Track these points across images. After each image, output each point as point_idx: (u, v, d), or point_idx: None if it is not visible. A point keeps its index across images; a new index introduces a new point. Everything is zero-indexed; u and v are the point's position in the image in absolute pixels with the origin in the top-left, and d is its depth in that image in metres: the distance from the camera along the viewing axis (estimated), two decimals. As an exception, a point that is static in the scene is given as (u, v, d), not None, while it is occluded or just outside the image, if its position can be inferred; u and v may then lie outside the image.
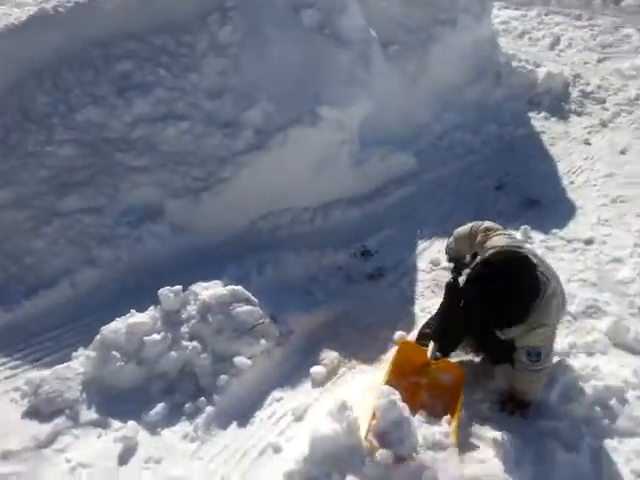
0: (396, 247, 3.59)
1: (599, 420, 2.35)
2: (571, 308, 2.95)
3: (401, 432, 1.99)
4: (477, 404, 2.38)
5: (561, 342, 2.70)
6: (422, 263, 3.47)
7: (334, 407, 2.09)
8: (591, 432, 2.30)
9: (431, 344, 2.43)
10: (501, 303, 2.05)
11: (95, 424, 2.25)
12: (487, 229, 2.47)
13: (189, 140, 3.27)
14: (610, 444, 2.28)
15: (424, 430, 2.11)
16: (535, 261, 2.19)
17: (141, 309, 2.57)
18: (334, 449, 2.01)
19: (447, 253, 2.74)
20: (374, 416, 2.06)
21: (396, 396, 2.07)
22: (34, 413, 2.30)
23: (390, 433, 1.99)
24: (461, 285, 2.46)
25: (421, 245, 3.64)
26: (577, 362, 2.63)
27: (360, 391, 2.31)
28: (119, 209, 3.08)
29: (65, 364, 2.43)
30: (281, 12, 3.75)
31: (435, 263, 3.44)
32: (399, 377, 2.34)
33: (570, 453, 2.20)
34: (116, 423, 2.26)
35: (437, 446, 2.06)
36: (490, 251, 2.27)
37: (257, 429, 2.25)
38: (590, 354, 2.71)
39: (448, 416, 2.21)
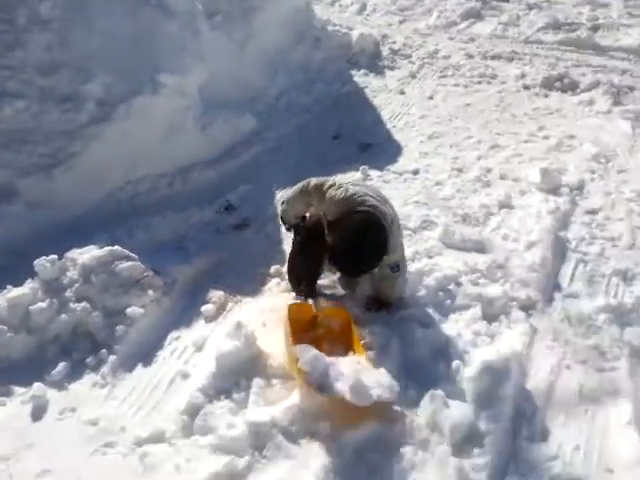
0: (255, 200, 3.87)
1: (443, 301, 2.90)
2: (410, 224, 3.51)
3: (331, 376, 2.15)
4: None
5: (406, 251, 3.23)
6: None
7: (231, 328, 2.35)
8: (439, 311, 2.84)
9: (309, 300, 2.66)
10: (369, 255, 2.43)
11: (-7, 398, 2.23)
12: (317, 186, 2.66)
13: (27, 117, 3.17)
14: (453, 317, 2.83)
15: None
16: (372, 201, 2.52)
17: (14, 285, 2.53)
18: (237, 362, 2.28)
19: (284, 222, 2.93)
20: (304, 374, 2.17)
21: (312, 349, 2.22)
22: None
23: (324, 381, 2.13)
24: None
25: (278, 195, 3.95)
26: (421, 264, 3.16)
27: (250, 314, 2.57)
28: (-34, 195, 2.91)
29: (-54, 349, 2.33)
30: (104, -15, 3.72)
31: (293, 208, 3.78)
32: (299, 336, 2.43)
33: (425, 329, 2.71)
34: (19, 389, 2.25)
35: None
36: (333, 209, 2.53)
37: (162, 365, 2.41)
38: (429, 256, 3.26)
39: (352, 352, 2.43)
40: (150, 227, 3.22)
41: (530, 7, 7.86)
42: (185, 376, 2.34)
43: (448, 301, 2.91)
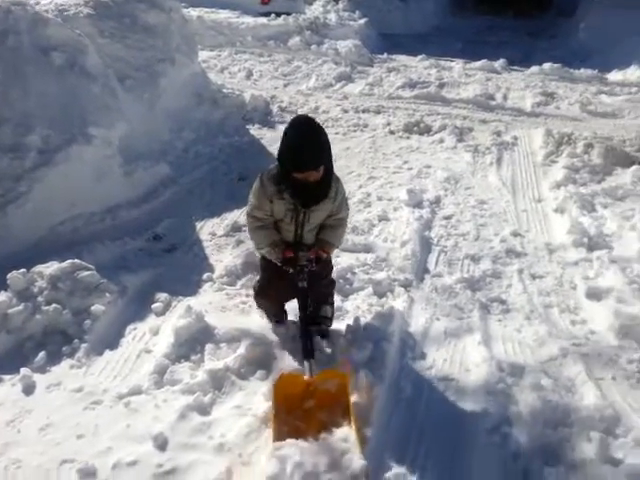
0: (179, 230, 4.49)
1: (344, 286, 3.64)
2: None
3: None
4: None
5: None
6: (203, 236, 4.45)
7: (182, 310, 2.98)
8: (341, 293, 3.59)
9: (305, 363, 2.55)
10: (319, 145, 2.53)
11: (-12, 383, 2.63)
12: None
13: (-20, 165, 3.63)
14: (352, 296, 3.61)
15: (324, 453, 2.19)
16: None
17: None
18: (191, 333, 2.90)
19: (258, 219, 2.78)
20: None
21: (281, 451, 2.15)
22: None
23: None
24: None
25: (198, 225, 4.62)
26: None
27: (194, 306, 3.18)
28: None
29: (-63, 349, 2.69)
30: (32, 54, 4.32)
31: (213, 234, 4.47)
32: (287, 413, 2.40)
33: (331, 306, 3.49)
34: (6, 376, 2.66)
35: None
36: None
37: (127, 347, 2.94)
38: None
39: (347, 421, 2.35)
40: (94, 251, 3.72)
41: (390, 70, 9.47)
42: (148, 351, 2.90)
43: (347, 286, 3.73)
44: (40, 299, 2.96)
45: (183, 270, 3.87)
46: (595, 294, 3.73)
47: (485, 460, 2.34)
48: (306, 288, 2.72)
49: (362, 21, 12.56)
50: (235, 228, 4.54)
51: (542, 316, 3.51)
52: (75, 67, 4.59)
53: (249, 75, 9.18)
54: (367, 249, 4.26)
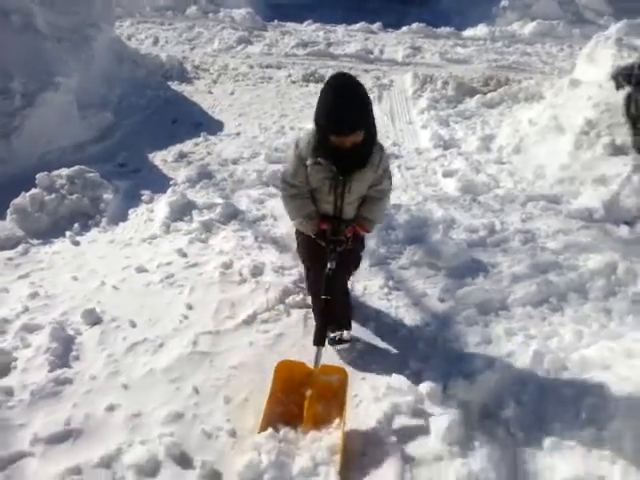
0: (137, 159, 5.60)
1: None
2: (244, 158, 5.70)
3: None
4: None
5: (245, 170, 5.40)
6: (157, 162, 5.62)
7: (169, 192, 4.24)
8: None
9: (316, 350, 2.45)
10: (360, 104, 2.32)
11: (44, 243, 3.75)
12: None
13: (-21, 104, 4.55)
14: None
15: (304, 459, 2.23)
16: None
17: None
18: (180, 205, 4.20)
19: (293, 186, 2.53)
20: None
21: (262, 446, 2.22)
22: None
23: None
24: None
25: (150, 155, 5.75)
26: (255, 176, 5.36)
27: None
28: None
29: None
30: (-2, 17, 5.19)
31: (165, 160, 5.64)
32: (284, 396, 2.43)
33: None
34: (55, 239, 3.80)
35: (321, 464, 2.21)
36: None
37: (135, 219, 4.16)
38: (261, 172, 5.49)
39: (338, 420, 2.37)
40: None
41: (283, 34, 10.80)
42: (151, 219, 4.15)
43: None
44: (63, 192, 4.06)
45: (153, 181, 5.06)
46: (448, 174, 5.46)
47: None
48: (334, 270, 2.50)
49: (251, -9, 13.65)
50: (182, 155, 5.75)
51: (413, 188, 5.17)
52: (30, 27, 5.47)
53: (156, 41, 10.07)
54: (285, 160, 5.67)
